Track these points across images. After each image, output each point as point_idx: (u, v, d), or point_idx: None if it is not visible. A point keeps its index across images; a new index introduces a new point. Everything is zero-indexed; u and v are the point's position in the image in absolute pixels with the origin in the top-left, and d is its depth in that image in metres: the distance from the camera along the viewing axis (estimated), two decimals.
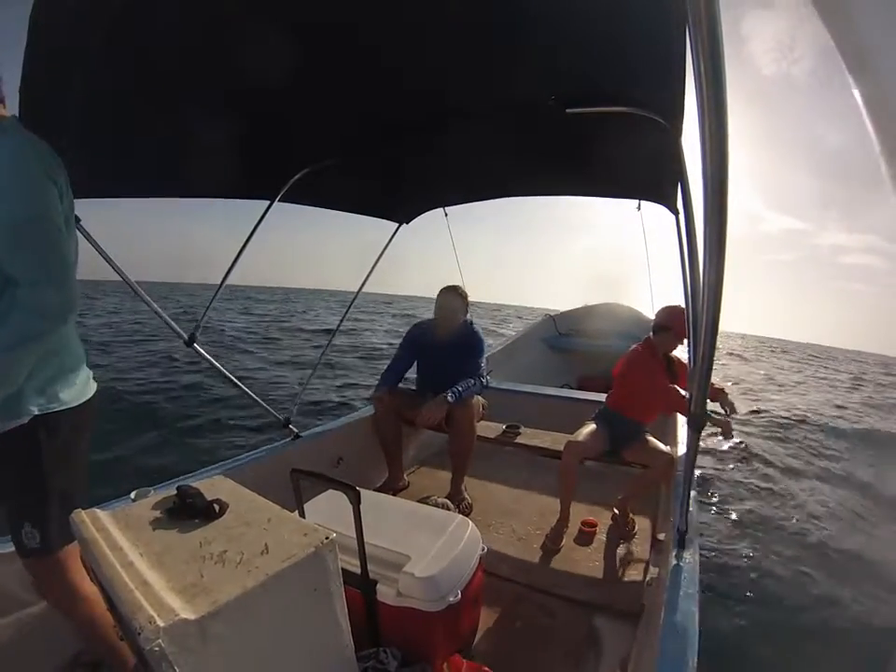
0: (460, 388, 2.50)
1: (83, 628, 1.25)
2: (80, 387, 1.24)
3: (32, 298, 1.02)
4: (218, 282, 2.20)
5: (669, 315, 2.38)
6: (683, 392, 2.26)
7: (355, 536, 1.20)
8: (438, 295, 2.76)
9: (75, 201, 1.22)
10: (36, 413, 1.14)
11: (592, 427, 2.41)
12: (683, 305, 2.37)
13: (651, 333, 2.44)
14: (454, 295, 2.73)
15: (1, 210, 0.99)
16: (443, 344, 2.71)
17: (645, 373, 2.37)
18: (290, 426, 2.39)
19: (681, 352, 2.75)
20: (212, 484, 1.13)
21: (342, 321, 2.96)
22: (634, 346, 2.50)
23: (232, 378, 2.18)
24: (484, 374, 2.69)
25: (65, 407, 1.19)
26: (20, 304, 1.01)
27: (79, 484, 1.26)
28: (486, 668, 1.43)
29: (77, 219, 1.45)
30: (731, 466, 5.24)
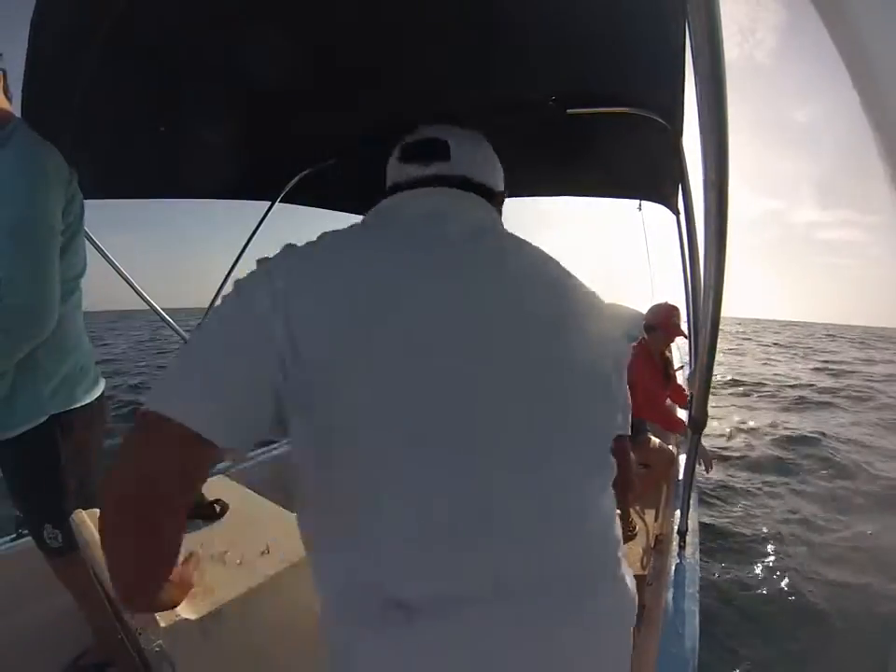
0: None
1: (105, 621, 1.26)
2: (92, 384, 1.27)
3: (16, 307, 1.01)
4: None
5: (656, 313, 2.39)
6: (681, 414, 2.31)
7: None
8: None
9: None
10: (54, 412, 1.15)
11: None
12: (671, 303, 2.39)
13: (644, 334, 2.45)
14: None
15: (4, 213, 1.01)
16: None
17: (637, 378, 2.37)
18: None
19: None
20: (213, 485, 1.13)
21: None
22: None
23: None
24: None
25: (80, 404, 1.21)
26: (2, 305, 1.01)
27: (95, 480, 1.28)
28: None
29: None
30: (732, 466, 5.24)
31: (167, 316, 1.91)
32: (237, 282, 0.54)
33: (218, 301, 0.55)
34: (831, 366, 15.87)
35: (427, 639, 0.48)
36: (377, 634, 0.49)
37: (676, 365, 2.56)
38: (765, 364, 15.92)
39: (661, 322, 2.33)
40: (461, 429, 0.51)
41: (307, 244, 0.57)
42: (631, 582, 0.59)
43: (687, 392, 2.55)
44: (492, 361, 0.53)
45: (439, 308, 0.53)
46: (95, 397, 1.27)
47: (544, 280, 0.62)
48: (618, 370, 0.66)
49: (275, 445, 2.32)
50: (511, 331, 0.55)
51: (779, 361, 18.09)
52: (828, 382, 12.13)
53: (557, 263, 0.65)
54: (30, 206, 1.05)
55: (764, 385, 10.72)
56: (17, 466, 1.16)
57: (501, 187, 0.76)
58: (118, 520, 0.47)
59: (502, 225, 0.68)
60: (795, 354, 22.55)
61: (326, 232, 0.59)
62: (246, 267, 0.59)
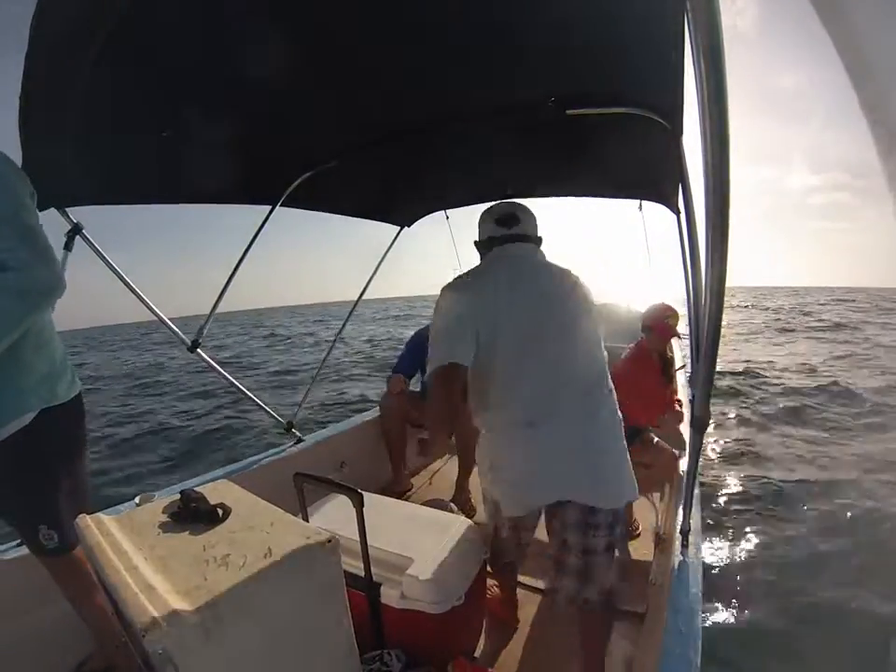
0: None
1: (102, 623, 1.26)
2: (70, 382, 1.26)
3: (25, 277, 1.04)
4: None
5: (650, 314, 2.38)
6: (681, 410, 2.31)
7: (358, 539, 1.21)
8: None
9: (76, 209, 1.25)
10: (39, 409, 1.15)
11: None
12: (666, 304, 2.38)
13: (643, 334, 2.44)
14: None
15: None
16: None
17: (635, 379, 2.36)
18: (293, 430, 2.40)
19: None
20: (215, 489, 1.13)
21: (343, 327, 2.97)
22: (626, 350, 2.50)
23: (235, 383, 2.18)
24: None
25: (62, 402, 1.21)
26: (9, 285, 1.03)
27: (84, 477, 1.29)
28: (490, 670, 1.43)
29: (80, 227, 1.46)
30: (733, 464, 5.23)
31: (172, 324, 1.91)
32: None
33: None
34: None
35: (542, 435, 1.27)
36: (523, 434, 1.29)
37: (678, 365, 2.55)
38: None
39: (654, 323, 2.33)
40: (541, 341, 1.29)
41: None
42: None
43: (684, 399, 2.55)
44: (545, 308, 1.33)
45: (532, 288, 1.34)
46: (75, 394, 1.27)
47: (556, 276, 1.43)
48: (588, 300, 1.43)
49: (279, 449, 2.32)
50: (550, 298, 1.36)
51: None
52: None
53: (557, 267, 1.44)
54: (14, 194, 1.09)
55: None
56: (7, 468, 1.14)
57: (538, 234, 1.49)
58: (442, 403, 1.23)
59: (542, 254, 1.46)
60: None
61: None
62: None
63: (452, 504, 2.30)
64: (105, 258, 1.63)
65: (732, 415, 7.24)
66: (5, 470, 1.15)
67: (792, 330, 18.73)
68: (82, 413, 1.31)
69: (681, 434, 2.37)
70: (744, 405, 7.81)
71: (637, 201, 2.62)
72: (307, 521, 1.30)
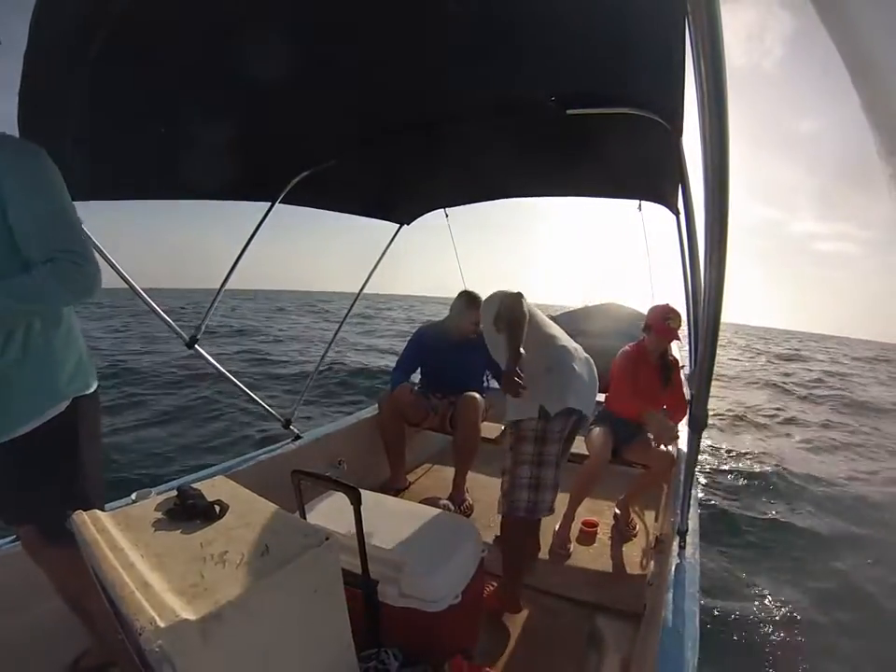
0: None
1: (108, 618, 1.26)
2: (94, 373, 1.30)
3: (77, 271, 1.07)
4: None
5: (651, 314, 2.38)
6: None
7: (356, 536, 1.20)
8: (457, 299, 2.69)
9: (74, 203, 1.25)
10: (72, 398, 1.18)
11: (599, 430, 2.40)
12: (669, 305, 2.38)
13: (644, 333, 2.44)
14: (475, 306, 2.56)
15: (39, 201, 1.06)
16: (452, 347, 2.70)
17: (632, 375, 2.36)
18: (291, 426, 2.40)
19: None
20: (212, 485, 1.13)
21: (341, 324, 2.96)
22: (623, 349, 2.50)
23: (233, 379, 2.18)
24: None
25: (90, 391, 1.25)
26: (62, 274, 1.05)
27: (101, 469, 1.31)
28: (488, 669, 1.43)
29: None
30: (732, 463, 5.24)
31: (168, 318, 1.90)
32: None
33: None
34: None
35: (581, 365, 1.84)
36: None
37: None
38: None
39: (654, 322, 2.33)
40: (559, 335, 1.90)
41: None
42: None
43: (687, 398, 2.54)
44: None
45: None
46: (97, 385, 1.30)
47: None
48: None
49: (277, 446, 2.32)
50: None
51: None
52: None
53: None
54: (64, 190, 1.11)
55: None
56: (42, 456, 1.14)
57: None
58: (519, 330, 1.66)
59: None
60: None
61: None
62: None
63: (449, 502, 2.30)
64: (104, 253, 1.62)
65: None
66: (42, 458, 1.15)
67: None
68: (99, 405, 1.34)
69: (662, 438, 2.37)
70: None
71: (637, 201, 2.62)
72: (305, 518, 1.30)
